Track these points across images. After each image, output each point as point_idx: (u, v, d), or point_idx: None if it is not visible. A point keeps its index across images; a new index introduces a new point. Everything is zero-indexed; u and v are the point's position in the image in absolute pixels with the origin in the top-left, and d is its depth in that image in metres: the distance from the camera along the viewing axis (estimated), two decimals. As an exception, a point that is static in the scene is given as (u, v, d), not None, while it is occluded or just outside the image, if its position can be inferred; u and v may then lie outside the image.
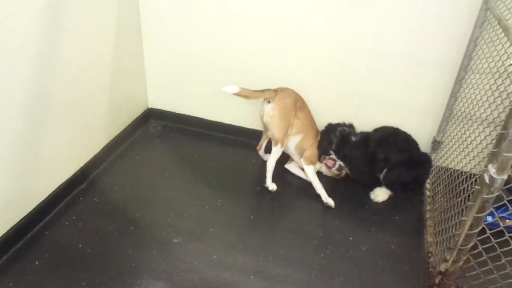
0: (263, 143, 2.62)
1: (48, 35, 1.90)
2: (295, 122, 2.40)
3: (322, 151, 2.50)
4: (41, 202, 2.07)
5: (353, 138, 2.46)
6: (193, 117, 2.92)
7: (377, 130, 2.49)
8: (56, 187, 2.16)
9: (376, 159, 2.37)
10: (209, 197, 2.35)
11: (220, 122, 2.88)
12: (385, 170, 2.37)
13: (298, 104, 2.42)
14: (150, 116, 3.00)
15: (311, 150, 2.48)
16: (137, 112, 2.88)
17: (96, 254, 1.94)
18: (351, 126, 2.53)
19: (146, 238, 2.05)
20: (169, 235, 2.07)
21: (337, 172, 2.53)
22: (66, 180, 2.23)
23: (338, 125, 2.54)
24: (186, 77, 2.79)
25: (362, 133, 2.50)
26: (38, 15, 1.82)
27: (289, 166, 2.60)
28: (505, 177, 1.32)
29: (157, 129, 2.93)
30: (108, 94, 2.48)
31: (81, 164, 2.35)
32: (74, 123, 2.22)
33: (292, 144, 2.47)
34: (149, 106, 2.98)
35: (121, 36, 2.46)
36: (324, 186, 2.42)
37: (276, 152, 2.36)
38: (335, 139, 2.47)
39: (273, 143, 2.38)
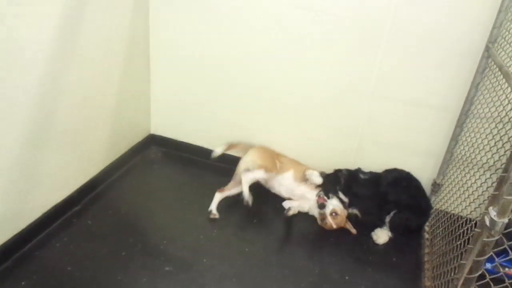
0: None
1: (59, 57, 1.93)
2: (280, 161, 2.57)
3: (328, 191, 2.42)
4: (33, 221, 2.04)
5: (362, 176, 2.45)
6: (194, 145, 2.93)
7: (388, 172, 2.48)
8: (50, 207, 2.13)
9: (387, 199, 2.37)
10: (204, 227, 2.31)
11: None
12: (393, 212, 2.36)
13: (276, 154, 2.62)
14: (151, 142, 3.00)
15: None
16: (138, 137, 2.88)
17: (85, 278, 1.89)
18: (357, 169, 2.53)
19: (137, 264, 2.00)
20: (160, 263, 2.02)
21: (323, 214, 2.35)
22: (61, 201, 2.20)
23: (337, 170, 2.54)
24: (190, 106, 2.82)
25: (371, 172, 2.49)
26: (50, 36, 1.86)
27: (289, 203, 2.54)
28: (506, 220, 1.30)
29: (157, 155, 2.93)
30: (112, 119, 2.50)
31: (78, 186, 2.33)
32: (75, 144, 2.22)
33: (288, 180, 2.53)
34: (151, 132, 2.99)
35: (129, 63, 2.51)
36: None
37: (254, 174, 2.42)
38: (342, 177, 2.45)
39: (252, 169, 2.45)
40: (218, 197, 2.47)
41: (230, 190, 2.53)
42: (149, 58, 2.71)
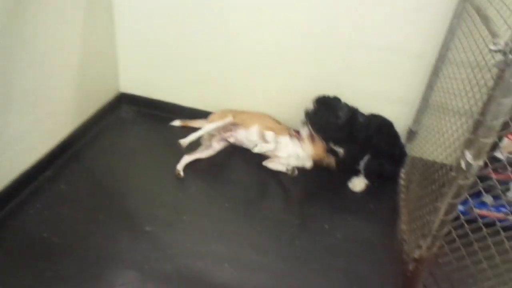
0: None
1: (8, 10, 1.77)
2: (240, 119, 2.53)
3: (322, 124, 2.38)
4: (1, 190, 1.95)
5: (360, 119, 2.39)
6: (167, 102, 2.83)
7: (375, 116, 2.45)
8: (19, 174, 2.04)
9: (370, 144, 2.38)
10: (182, 185, 2.29)
11: (194, 108, 2.81)
12: (367, 157, 2.39)
13: (233, 113, 2.57)
14: (122, 101, 2.89)
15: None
16: (108, 96, 2.76)
17: (63, 244, 1.84)
18: (339, 99, 2.45)
19: (116, 227, 1.97)
20: (140, 223, 2.00)
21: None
22: (30, 166, 2.11)
23: (333, 99, 2.43)
24: (160, 61, 2.69)
25: (364, 115, 2.43)
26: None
27: (266, 162, 2.54)
28: (481, 163, 1.32)
29: (129, 115, 2.83)
30: (76, 77, 2.36)
31: (47, 150, 2.23)
32: (38, 106, 2.10)
33: (253, 136, 2.50)
34: (121, 91, 2.87)
35: (91, 14, 2.34)
36: (300, 176, 2.40)
37: (220, 122, 2.50)
38: (343, 115, 2.37)
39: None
40: (186, 159, 2.43)
41: (199, 153, 2.50)
42: (112, 8, 2.54)
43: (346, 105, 2.42)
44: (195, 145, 2.48)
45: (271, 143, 2.40)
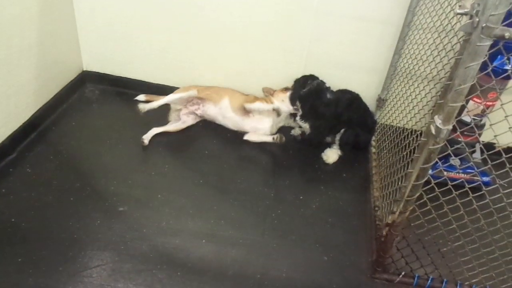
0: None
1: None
2: (206, 94, 2.49)
3: (291, 93, 2.43)
4: (-37, 176, 1.86)
5: (329, 96, 2.41)
6: (133, 79, 2.75)
7: (343, 92, 2.48)
8: (-20, 159, 1.95)
9: (340, 119, 2.40)
10: (154, 163, 2.24)
11: (161, 84, 2.74)
12: (342, 130, 2.41)
13: (198, 89, 2.52)
14: (86, 80, 2.77)
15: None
16: (70, 75, 2.64)
17: (32, 228, 1.79)
18: (317, 78, 2.49)
19: (88, 208, 1.92)
20: (113, 204, 1.96)
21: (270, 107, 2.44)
22: (-8, 151, 2.02)
23: (310, 76, 2.48)
24: (123, 37, 2.59)
25: (333, 92, 2.46)
26: None
27: (248, 136, 2.50)
28: (450, 127, 1.34)
29: (94, 94, 2.72)
30: (35, 55, 2.24)
31: (9, 132, 2.13)
32: (-4, 87, 1.99)
33: (227, 111, 2.47)
34: (84, 69, 2.75)
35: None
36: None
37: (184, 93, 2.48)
38: (309, 86, 2.41)
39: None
40: (154, 130, 2.41)
41: (168, 126, 2.47)
42: (69, -17, 2.40)
43: (318, 82, 2.44)
44: (164, 120, 2.44)
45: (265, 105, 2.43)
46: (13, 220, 1.80)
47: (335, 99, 2.41)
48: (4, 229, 1.76)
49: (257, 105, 2.41)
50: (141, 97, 2.67)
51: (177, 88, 2.61)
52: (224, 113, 2.48)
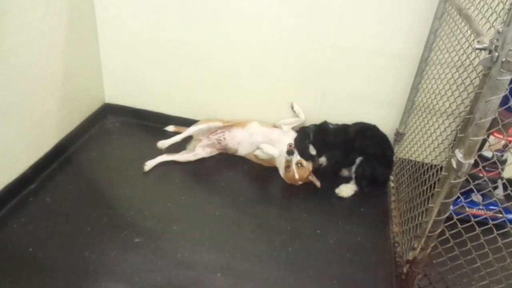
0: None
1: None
2: (231, 123, 2.55)
3: (297, 145, 2.39)
4: (-15, 204, 1.89)
5: (331, 126, 2.47)
6: (153, 112, 2.80)
7: (355, 123, 2.50)
8: (1, 188, 1.99)
9: (354, 146, 2.39)
10: (171, 194, 2.25)
11: (180, 117, 2.78)
12: (359, 160, 2.39)
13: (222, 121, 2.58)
14: (107, 112, 2.84)
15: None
16: (92, 107, 2.72)
17: (49, 258, 1.79)
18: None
19: (104, 239, 1.92)
20: (129, 235, 1.96)
21: (289, 161, 2.32)
22: (14, 180, 2.06)
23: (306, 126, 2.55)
24: (145, 70, 2.66)
25: (338, 124, 2.50)
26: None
27: (264, 145, 2.45)
28: (472, 161, 1.32)
29: (114, 125, 2.79)
30: (61, 88, 2.32)
31: (31, 163, 2.18)
32: (23, 118, 2.06)
33: (258, 128, 2.51)
34: (106, 101, 2.83)
35: (73, 25, 2.31)
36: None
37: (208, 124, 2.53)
38: (311, 132, 2.46)
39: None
40: (163, 158, 2.44)
41: (179, 155, 2.49)
42: (95, 20, 2.51)
43: (314, 125, 2.51)
44: (181, 148, 2.51)
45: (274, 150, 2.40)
46: (30, 249, 1.82)
47: (342, 127, 2.46)
48: (22, 258, 1.77)
49: (289, 120, 2.53)
50: (170, 127, 2.72)
51: (196, 120, 2.66)
52: (252, 131, 2.50)
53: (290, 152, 2.31)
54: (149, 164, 2.38)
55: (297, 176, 2.30)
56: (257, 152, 2.42)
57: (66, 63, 2.32)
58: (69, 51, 2.32)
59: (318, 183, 2.39)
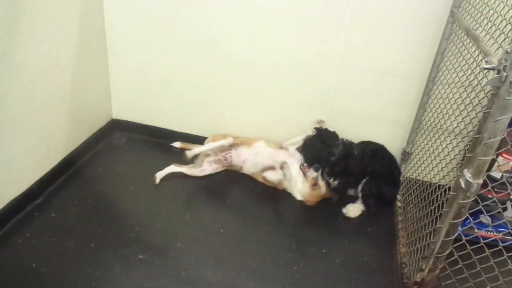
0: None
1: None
2: (240, 140, 2.56)
3: (316, 160, 2.36)
4: (-10, 218, 1.89)
5: (356, 152, 2.39)
6: (160, 128, 2.82)
7: (366, 144, 2.47)
8: (7, 202, 1.99)
9: (365, 172, 2.38)
10: (176, 211, 2.24)
11: (186, 133, 2.79)
12: (365, 180, 2.37)
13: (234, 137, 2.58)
14: (114, 127, 2.86)
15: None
16: (100, 123, 2.74)
17: (52, 273, 1.78)
18: (336, 135, 2.47)
19: (108, 255, 1.90)
20: (133, 251, 1.94)
21: (314, 178, 2.36)
22: (20, 195, 2.06)
23: (330, 135, 2.45)
24: (152, 87, 2.69)
25: (356, 145, 2.45)
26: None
27: (267, 173, 2.48)
28: (480, 181, 1.31)
29: (121, 141, 2.80)
30: (68, 103, 2.34)
31: (37, 177, 2.18)
32: (29, 132, 2.07)
33: (263, 148, 2.50)
34: (113, 117, 2.85)
35: (83, 41, 2.35)
36: (295, 200, 2.38)
37: (219, 142, 2.50)
38: (337, 152, 2.37)
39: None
40: (171, 168, 2.45)
41: (187, 168, 2.49)
42: (105, 36, 2.56)
43: (342, 141, 2.42)
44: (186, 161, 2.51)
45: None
46: (34, 265, 1.80)
47: (360, 154, 2.39)
48: (25, 274, 1.76)
49: (295, 139, 2.51)
50: (176, 144, 2.74)
51: (202, 137, 2.67)
52: (257, 151, 2.50)
53: (316, 168, 2.35)
54: (159, 176, 2.39)
55: (322, 192, 2.37)
56: (265, 175, 2.43)
57: (74, 79, 2.35)
58: (77, 67, 2.35)
59: (335, 197, 2.43)
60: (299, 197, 2.41)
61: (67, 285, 1.74)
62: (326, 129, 2.48)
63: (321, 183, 2.38)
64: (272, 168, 2.47)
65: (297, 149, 2.52)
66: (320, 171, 2.36)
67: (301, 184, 2.39)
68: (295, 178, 2.41)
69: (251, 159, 2.52)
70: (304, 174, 2.37)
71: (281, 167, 2.41)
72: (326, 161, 2.37)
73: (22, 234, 1.95)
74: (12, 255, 1.84)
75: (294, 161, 2.44)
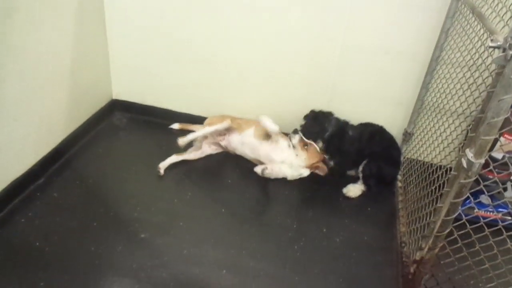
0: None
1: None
2: (237, 123, 2.50)
3: (310, 136, 2.41)
4: (-8, 198, 1.90)
5: (350, 133, 2.41)
6: (160, 108, 2.81)
7: (365, 126, 2.47)
8: (9, 182, 1.99)
9: (363, 155, 2.39)
10: (177, 191, 2.25)
11: (187, 114, 2.78)
12: (365, 161, 2.38)
13: (231, 118, 2.54)
14: (115, 108, 2.85)
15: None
16: (100, 103, 2.72)
17: (55, 252, 1.80)
18: (331, 113, 2.47)
19: (110, 234, 1.92)
20: (135, 230, 1.96)
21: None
22: (22, 175, 2.06)
23: (325, 113, 2.46)
24: (152, 67, 2.67)
25: (353, 126, 2.46)
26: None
27: (257, 169, 2.43)
28: (482, 161, 1.31)
29: (122, 121, 2.79)
30: (68, 83, 2.32)
31: (39, 158, 2.18)
32: (30, 113, 2.06)
33: (250, 138, 2.46)
34: (114, 97, 2.84)
35: (82, 21, 2.31)
36: (296, 180, 2.40)
37: (217, 126, 2.45)
38: (330, 128, 2.41)
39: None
40: (173, 158, 2.42)
41: (188, 154, 2.48)
42: (104, 16, 2.52)
43: (336, 119, 2.44)
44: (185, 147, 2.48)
45: (274, 126, 2.35)
46: (37, 244, 1.82)
47: (358, 135, 2.40)
48: (29, 252, 1.78)
49: (268, 122, 2.36)
50: (175, 125, 2.71)
51: (203, 117, 2.65)
52: (244, 139, 2.48)
53: (295, 131, 2.41)
54: (163, 167, 2.35)
55: (318, 149, 2.40)
56: (256, 170, 2.39)
57: (75, 59, 2.33)
58: (77, 47, 2.32)
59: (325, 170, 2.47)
60: (304, 172, 2.43)
61: (70, 263, 1.76)
62: (317, 111, 2.49)
63: (309, 141, 2.41)
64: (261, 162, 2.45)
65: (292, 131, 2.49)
66: (300, 133, 2.40)
67: (295, 158, 2.41)
68: (287, 166, 2.40)
69: (239, 148, 2.52)
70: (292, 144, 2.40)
71: (262, 173, 2.35)
72: (317, 134, 2.41)
73: (25, 213, 1.96)
74: (16, 234, 1.86)
75: (276, 157, 2.40)
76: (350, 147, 2.38)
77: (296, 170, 2.42)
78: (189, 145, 2.49)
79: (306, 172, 2.43)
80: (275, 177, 2.38)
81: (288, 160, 2.41)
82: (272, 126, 2.33)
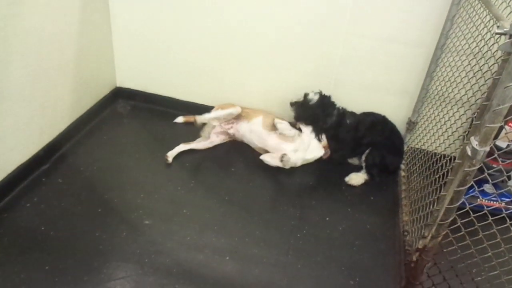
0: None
1: (1, 5, 1.73)
2: (245, 112, 2.52)
3: (314, 120, 2.43)
4: (-2, 183, 1.92)
5: (348, 121, 2.43)
6: (164, 96, 2.81)
7: (366, 115, 2.47)
8: (15, 167, 2.01)
9: (362, 143, 2.40)
10: (181, 179, 2.26)
11: (191, 102, 2.78)
12: (368, 150, 2.39)
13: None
14: (119, 96, 2.85)
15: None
16: (104, 90, 2.73)
17: (60, 237, 1.82)
18: (328, 97, 2.48)
19: (114, 220, 1.94)
20: (139, 216, 1.97)
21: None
22: (27, 160, 2.08)
23: (323, 96, 2.46)
24: (156, 55, 2.66)
25: (352, 114, 2.47)
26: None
27: (264, 157, 2.43)
28: (487, 149, 1.30)
29: (126, 109, 2.80)
30: (73, 70, 2.33)
31: (44, 144, 2.20)
32: (35, 100, 2.07)
33: (258, 127, 2.46)
34: (118, 85, 2.84)
35: (86, 8, 2.31)
36: (299, 169, 2.40)
37: (225, 111, 2.47)
38: (329, 118, 2.43)
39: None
40: (181, 147, 2.43)
41: (196, 143, 2.48)
42: (108, 3, 2.51)
43: (336, 108, 2.45)
44: (191, 136, 2.49)
45: (290, 131, 2.38)
46: (43, 228, 1.84)
47: (355, 124, 2.41)
48: (34, 236, 1.80)
49: (284, 124, 2.39)
50: (179, 119, 2.71)
51: (206, 106, 2.65)
52: (252, 127, 2.48)
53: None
54: (171, 155, 2.35)
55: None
56: (262, 158, 2.41)
57: (79, 47, 2.33)
58: (81, 35, 2.32)
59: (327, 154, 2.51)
60: (320, 153, 2.47)
61: (76, 248, 1.78)
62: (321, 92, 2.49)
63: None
64: (266, 151, 2.45)
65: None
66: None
67: (317, 145, 2.45)
68: (301, 152, 2.41)
69: (247, 136, 2.52)
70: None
71: (281, 160, 2.32)
72: (316, 117, 2.42)
73: (30, 198, 1.98)
74: (21, 218, 1.88)
75: (285, 148, 2.39)
76: (346, 135, 2.39)
77: (311, 153, 2.44)
78: (200, 127, 2.44)
79: (321, 153, 2.46)
80: (291, 166, 2.37)
81: (302, 147, 2.41)
82: (290, 132, 2.37)
